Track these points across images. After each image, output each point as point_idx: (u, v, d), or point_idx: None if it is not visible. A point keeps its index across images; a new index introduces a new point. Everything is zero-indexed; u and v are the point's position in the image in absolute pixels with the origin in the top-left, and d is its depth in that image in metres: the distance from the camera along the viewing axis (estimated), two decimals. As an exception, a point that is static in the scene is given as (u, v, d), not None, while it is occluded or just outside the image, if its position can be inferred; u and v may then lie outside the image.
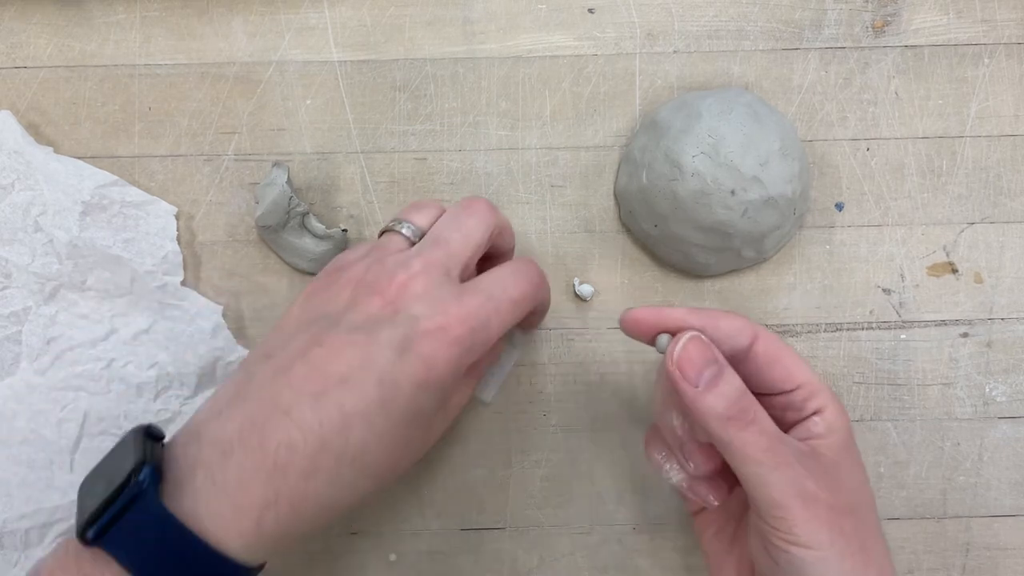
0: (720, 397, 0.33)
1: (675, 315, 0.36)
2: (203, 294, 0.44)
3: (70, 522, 0.41)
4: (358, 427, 0.33)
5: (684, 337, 0.34)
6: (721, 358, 0.34)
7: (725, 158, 0.41)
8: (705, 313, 0.36)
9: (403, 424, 0.34)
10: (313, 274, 0.45)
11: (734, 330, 0.35)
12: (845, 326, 0.46)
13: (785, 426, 0.36)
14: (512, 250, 0.42)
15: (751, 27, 0.47)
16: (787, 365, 0.36)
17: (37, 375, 0.43)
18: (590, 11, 0.47)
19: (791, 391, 0.36)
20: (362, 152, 0.46)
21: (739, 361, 0.36)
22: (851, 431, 0.36)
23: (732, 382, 0.34)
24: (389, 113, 0.46)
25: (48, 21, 0.46)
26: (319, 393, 0.33)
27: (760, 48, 0.47)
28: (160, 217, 0.44)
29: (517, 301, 0.37)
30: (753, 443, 0.33)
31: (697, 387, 0.33)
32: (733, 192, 0.41)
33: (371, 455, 0.33)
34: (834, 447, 0.35)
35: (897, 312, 0.46)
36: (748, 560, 0.37)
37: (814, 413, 0.36)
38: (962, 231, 0.46)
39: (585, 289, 0.45)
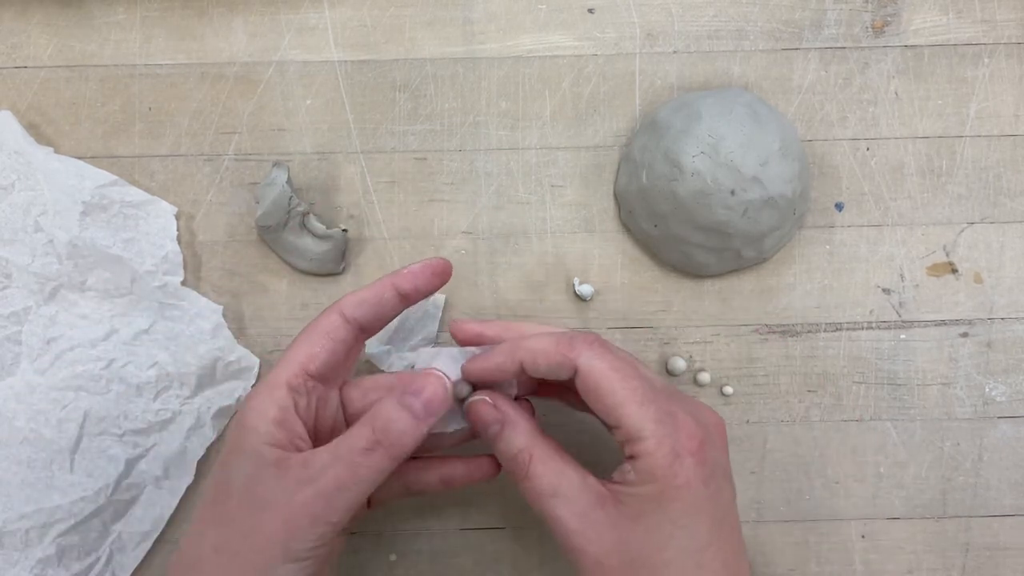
0: (500, 451, 0.36)
1: (491, 332, 0.38)
2: (203, 294, 0.44)
3: (70, 522, 0.41)
4: None
5: (475, 398, 0.37)
6: (507, 414, 0.36)
7: (725, 158, 0.41)
8: (519, 343, 0.36)
9: None
10: (313, 274, 0.45)
11: (552, 364, 0.35)
12: (845, 326, 0.46)
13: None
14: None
15: (751, 27, 0.47)
16: (608, 403, 0.34)
17: (37, 375, 0.43)
18: (590, 11, 0.47)
19: (612, 428, 0.34)
20: (362, 152, 0.46)
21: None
22: (686, 486, 0.33)
23: (509, 440, 0.36)
24: (389, 113, 0.46)
25: (48, 21, 0.46)
26: None
27: (760, 48, 0.47)
28: (160, 217, 0.44)
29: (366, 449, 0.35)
30: (530, 491, 0.35)
31: (488, 436, 0.36)
32: (733, 192, 0.41)
33: None
34: (644, 498, 0.33)
35: (897, 312, 0.46)
36: None
37: (630, 456, 0.34)
38: (962, 231, 0.46)
39: (585, 289, 0.45)
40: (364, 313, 0.37)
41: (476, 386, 0.37)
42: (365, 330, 0.38)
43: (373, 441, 0.34)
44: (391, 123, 0.46)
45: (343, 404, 0.39)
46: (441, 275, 0.39)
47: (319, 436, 0.37)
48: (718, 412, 0.38)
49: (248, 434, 0.35)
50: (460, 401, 0.37)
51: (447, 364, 0.37)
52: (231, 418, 0.44)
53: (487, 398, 0.36)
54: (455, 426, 0.38)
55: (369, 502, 0.40)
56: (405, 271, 0.38)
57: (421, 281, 0.38)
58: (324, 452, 0.34)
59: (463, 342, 0.38)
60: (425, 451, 0.39)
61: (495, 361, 0.36)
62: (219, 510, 0.34)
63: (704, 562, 0.33)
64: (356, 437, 0.34)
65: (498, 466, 0.39)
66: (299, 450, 0.35)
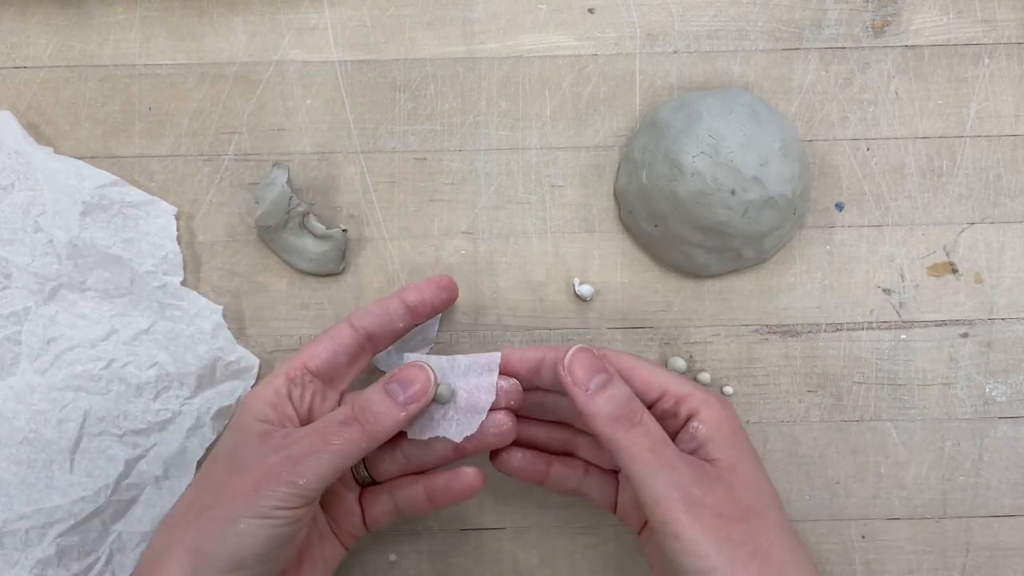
0: (608, 400, 0.36)
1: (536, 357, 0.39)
2: (203, 294, 0.44)
3: (70, 522, 0.41)
4: None
5: (574, 348, 0.37)
6: (610, 368, 0.37)
7: (725, 158, 0.41)
8: (636, 368, 0.38)
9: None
10: (313, 274, 0.45)
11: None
12: (845, 326, 0.46)
13: (671, 438, 0.36)
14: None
15: (751, 27, 0.47)
16: (642, 376, 0.37)
17: (37, 375, 0.43)
18: (590, 11, 0.47)
19: (658, 399, 0.37)
20: (362, 152, 0.46)
21: None
22: (739, 430, 0.37)
23: (620, 388, 0.36)
24: (389, 113, 0.46)
25: (48, 21, 0.46)
26: None
27: (760, 48, 0.47)
28: (160, 217, 0.44)
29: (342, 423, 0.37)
30: (638, 444, 0.35)
31: (587, 391, 0.36)
32: (733, 192, 0.41)
33: None
34: (722, 448, 0.36)
35: (897, 312, 0.46)
36: None
37: (689, 418, 0.36)
38: (962, 231, 0.46)
39: (585, 289, 0.45)
40: (370, 322, 0.40)
41: (456, 393, 0.39)
42: (373, 339, 0.40)
43: (351, 417, 0.36)
44: (391, 123, 0.46)
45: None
46: (447, 290, 0.42)
47: None
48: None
49: (244, 412, 0.38)
50: (442, 406, 0.38)
51: (440, 367, 0.39)
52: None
53: (594, 350, 0.37)
54: (430, 434, 0.38)
55: (365, 522, 0.41)
56: (411, 284, 0.41)
57: (427, 294, 0.41)
58: (306, 427, 0.37)
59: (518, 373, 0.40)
60: (414, 464, 0.40)
61: (536, 356, 0.39)
62: (203, 474, 0.38)
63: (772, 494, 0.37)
64: (336, 413, 0.37)
65: (481, 478, 0.39)
66: (285, 428, 0.37)
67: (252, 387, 0.39)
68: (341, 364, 0.39)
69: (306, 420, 0.39)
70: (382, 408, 0.36)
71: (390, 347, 0.44)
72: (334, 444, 0.35)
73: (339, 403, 0.40)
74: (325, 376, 0.39)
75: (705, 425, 0.36)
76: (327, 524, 0.40)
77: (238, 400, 0.44)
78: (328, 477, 0.35)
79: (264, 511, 0.34)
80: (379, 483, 0.41)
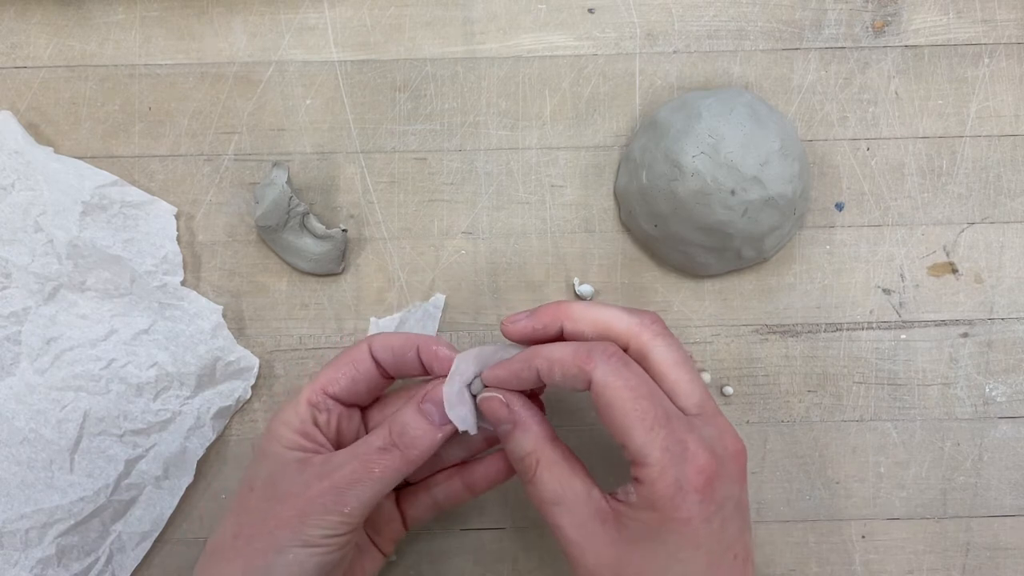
0: (509, 452, 0.37)
1: (542, 326, 0.37)
2: (203, 294, 0.44)
3: (70, 522, 0.41)
4: None
5: (487, 394, 0.37)
6: (519, 415, 0.36)
7: (725, 158, 0.41)
8: (538, 351, 0.35)
9: None
10: (313, 274, 0.45)
11: (568, 375, 0.34)
12: (845, 326, 0.45)
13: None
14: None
15: (751, 27, 0.47)
16: (617, 422, 0.33)
17: (37, 375, 0.43)
18: (590, 11, 0.47)
19: (620, 447, 0.34)
20: (362, 152, 0.46)
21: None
22: (687, 521, 0.32)
23: (519, 442, 0.36)
24: (389, 113, 0.46)
25: (48, 21, 0.46)
26: None
27: (760, 48, 0.47)
28: (160, 217, 0.44)
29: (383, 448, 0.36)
30: (534, 495, 0.35)
31: (500, 434, 0.37)
32: (733, 192, 0.41)
33: None
34: (644, 524, 0.33)
35: (897, 312, 0.46)
36: None
37: (634, 479, 0.33)
38: (962, 231, 0.46)
39: (585, 289, 0.45)
40: (385, 359, 0.39)
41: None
42: (390, 371, 0.39)
43: (389, 442, 0.36)
44: (391, 123, 0.46)
45: (365, 423, 0.40)
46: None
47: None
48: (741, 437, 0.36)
49: (273, 440, 0.37)
50: (474, 398, 0.38)
51: (466, 362, 0.37)
52: (236, 416, 0.44)
53: (500, 396, 0.36)
54: (471, 429, 0.37)
55: (405, 523, 0.41)
56: (435, 347, 0.38)
57: (437, 366, 0.38)
58: (344, 452, 0.36)
59: (515, 339, 0.38)
60: (448, 461, 0.40)
61: (512, 369, 0.36)
62: (241, 504, 0.37)
63: None
64: (374, 437, 0.36)
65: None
66: (321, 454, 0.37)
67: (278, 411, 0.38)
68: (360, 390, 0.39)
69: (336, 443, 0.38)
70: (419, 432, 0.36)
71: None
72: (375, 472, 0.35)
73: (361, 421, 0.40)
74: (345, 401, 0.39)
75: (638, 496, 0.33)
76: (367, 538, 0.40)
77: (238, 400, 0.44)
78: (371, 503, 0.35)
79: (312, 540, 0.34)
80: (413, 483, 0.41)
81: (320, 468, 0.36)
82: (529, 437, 0.36)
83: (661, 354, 0.35)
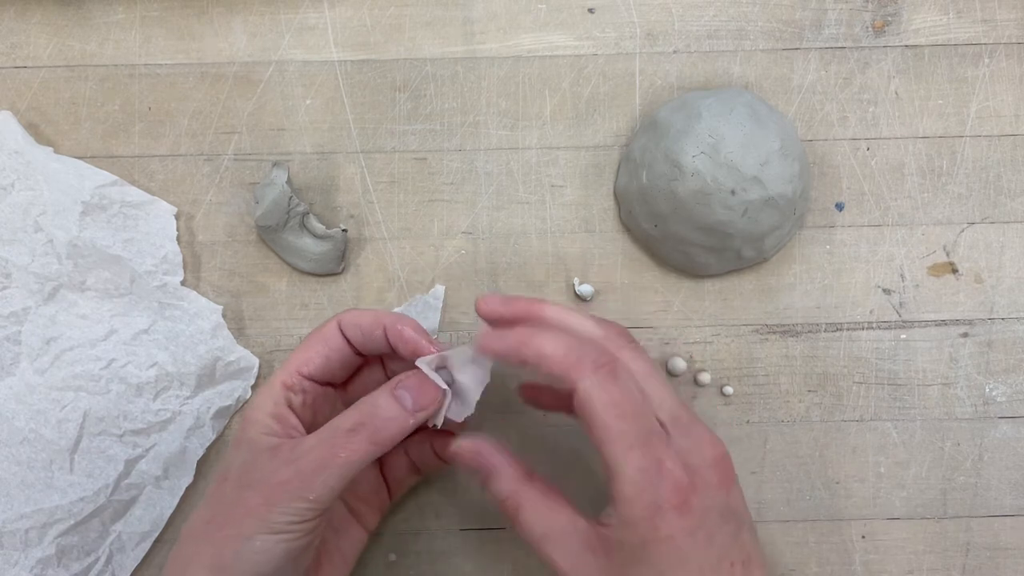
0: (489, 497, 0.37)
1: (511, 315, 0.37)
2: (203, 294, 0.44)
3: (70, 522, 0.41)
4: None
5: (458, 444, 0.37)
6: (491, 462, 0.37)
7: (725, 158, 0.41)
8: (530, 340, 0.35)
9: None
10: (313, 274, 0.45)
11: (555, 376, 0.34)
12: (845, 326, 0.45)
13: None
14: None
15: (751, 27, 0.47)
16: (597, 437, 0.34)
17: (37, 375, 0.43)
18: (590, 11, 0.47)
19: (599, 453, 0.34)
20: (362, 152, 0.46)
21: None
22: (668, 539, 0.33)
23: (496, 488, 0.37)
24: (389, 113, 0.46)
25: (48, 21, 0.46)
26: None
27: (760, 48, 0.47)
28: (160, 217, 0.44)
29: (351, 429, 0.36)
30: (521, 535, 0.36)
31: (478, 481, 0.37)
32: (733, 192, 0.41)
33: None
34: (630, 546, 0.33)
35: (897, 312, 0.46)
36: None
37: (612, 498, 0.34)
38: (962, 231, 0.46)
39: (585, 289, 0.45)
40: (355, 336, 0.38)
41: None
42: (361, 349, 0.39)
43: (358, 423, 0.35)
44: (391, 123, 0.46)
45: (343, 403, 0.40)
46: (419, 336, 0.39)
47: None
48: (722, 422, 0.36)
49: (248, 426, 0.37)
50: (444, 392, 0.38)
51: (458, 359, 0.37)
52: (236, 415, 0.44)
53: (471, 446, 0.37)
54: (438, 423, 0.38)
55: (390, 492, 0.41)
56: (400, 327, 0.38)
57: (402, 346, 0.38)
58: (311, 437, 0.36)
59: (485, 318, 0.38)
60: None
61: (503, 346, 0.36)
62: (216, 491, 0.37)
63: None
64: (342, 419, 0.36)
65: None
66: (293, 439, 0.37)
67: (252, 397, 0.38)
68: (334, 368, 0.39)
69: (311, 425, 0.38)
70: (390, 414, 0.36)
71: None
72: (341, 456, 0.35)
73: (339, 400, 0.40)
74: (320, 380, 0.39)
75: (616, 517, 0.34)
76: (348, 516, 0.40)
77: (238, 400, 0.44)
78: (338, 488, 0.35)
79: (278, 527, 0.34)
80: None
81: (288, 454, 0.35)
82: (504, 481, 0.36)
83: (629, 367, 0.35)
